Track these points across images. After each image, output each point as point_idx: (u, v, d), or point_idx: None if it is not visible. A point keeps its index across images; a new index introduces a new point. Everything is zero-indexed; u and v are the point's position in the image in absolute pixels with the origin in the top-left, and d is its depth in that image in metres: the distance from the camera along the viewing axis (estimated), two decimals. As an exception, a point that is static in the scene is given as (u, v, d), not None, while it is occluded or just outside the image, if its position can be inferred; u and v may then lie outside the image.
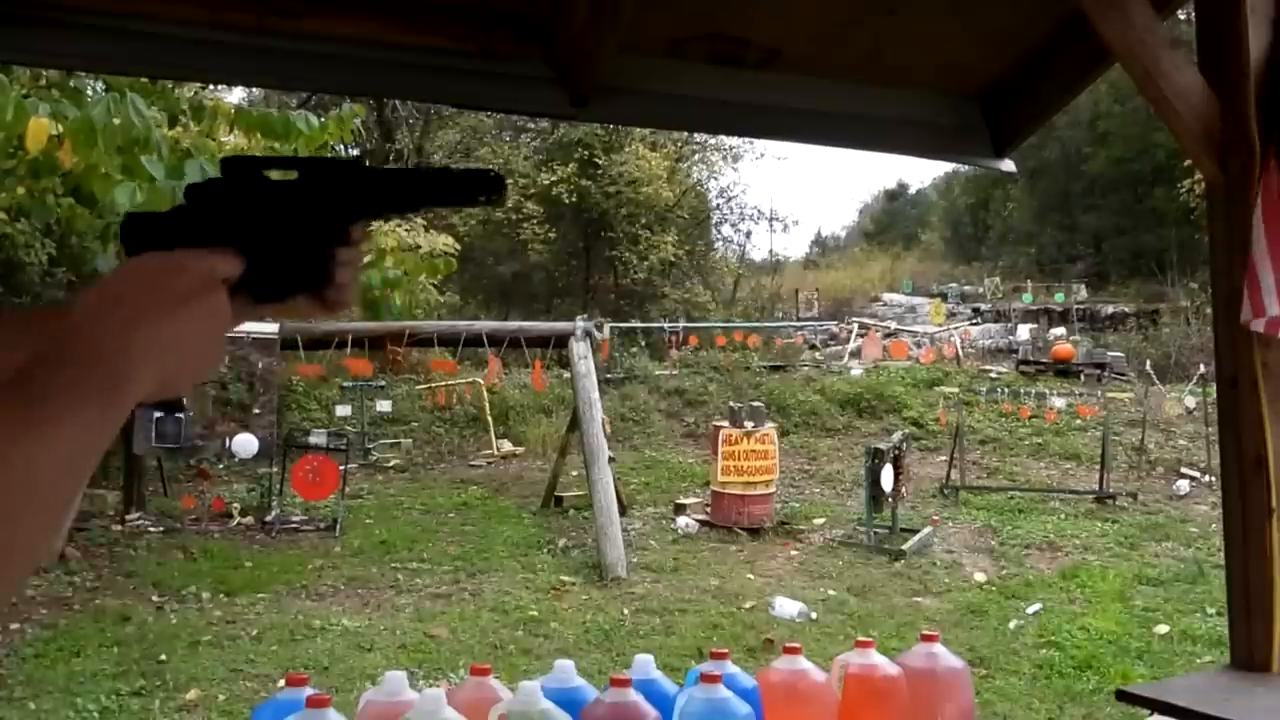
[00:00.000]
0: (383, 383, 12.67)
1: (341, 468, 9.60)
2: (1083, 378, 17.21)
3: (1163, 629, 6.89)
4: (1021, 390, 15.24)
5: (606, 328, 15.50)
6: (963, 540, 9.65)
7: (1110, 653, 6.41)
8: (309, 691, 1.38)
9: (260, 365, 9.65)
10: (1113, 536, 9.67)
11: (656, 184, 21.95)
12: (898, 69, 2.34)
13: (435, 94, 2.30)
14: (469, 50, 2.01)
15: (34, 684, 5.55)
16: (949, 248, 33.67)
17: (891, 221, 42.47)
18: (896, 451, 9.56)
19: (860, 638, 1.64)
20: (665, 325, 18.56)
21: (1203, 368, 13.50)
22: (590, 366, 9.92)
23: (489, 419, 13.92)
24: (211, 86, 7.48)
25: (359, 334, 10.05)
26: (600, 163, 21.35)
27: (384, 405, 12.92)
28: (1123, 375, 17.30)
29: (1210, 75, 1.89)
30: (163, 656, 6.05)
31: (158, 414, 8.83)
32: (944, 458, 12.29)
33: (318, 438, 9.86)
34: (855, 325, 21.71)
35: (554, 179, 21.14)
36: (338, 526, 9.36)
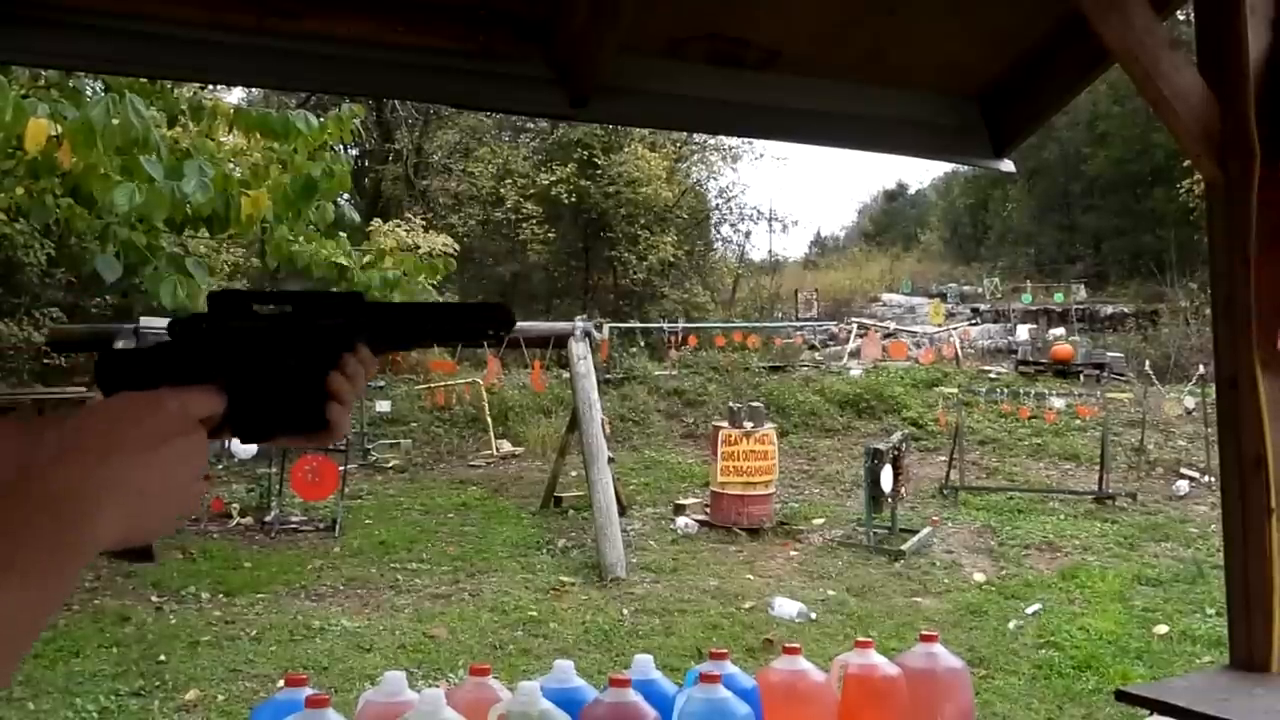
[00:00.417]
0: (382, 383, 12.68)
1: (341, 468, 9.60)
2: (1082, 378, 17.22)
3: (1162, 629, 6.89)
4: (1021, 391, 15.25)
5: (606, 328, 15.50)
6: (962, 540, 9.66)
7: (1110, 653, 6.41)
8: (308, 692, 1.38)
9: (259, 365, 9.62)
10: (1112, 537, 9.67)
11: (656, 184, 21.95)
12: (897, 69, 2.34)
13: (435, 94, 2.30)
14: (469, 50, 2.01)
15: (33, 684, 5.54)
16: (948, 248, 33.69)
17: (891, 222, 42.48)
18: (896, 452, 9.56)
19: (859, 638, 1.64)
20: (664, 325, 18.56)
21: (1202, 368, 13.52)
22: (589, 367, 9.92)
23: (488, 419, 13.92)
24: (211, 87, 7.49)
25: (358, 334, 10.04)
26: (600, 163, 21.35)
27: (383, 405, 12.92)
28: (1122, 376, 17.31)
29: (1210, 76, 1.89)
30: (162, 657, 6.05)
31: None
32: (943, 458, 12.30)
33: (317, 438, 9.84)
34: (854, 326, 21.72)
35: (553, 179, 21.14)
36: (337, 527, 9.37)
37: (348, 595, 7.55)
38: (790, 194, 77.47)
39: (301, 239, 5.56)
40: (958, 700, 1.62)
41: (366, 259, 6.06)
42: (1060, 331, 20.37)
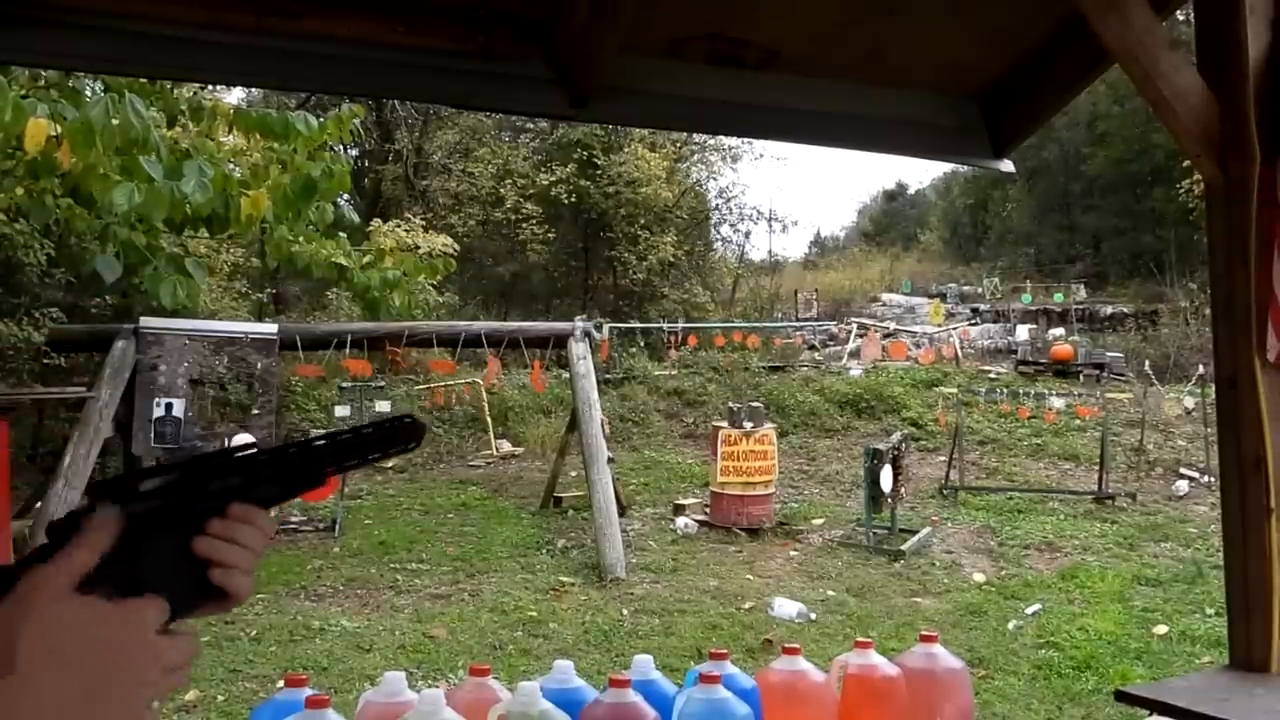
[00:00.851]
0: (382, 383, 12.65)
1: (340, 468, 9.58)
2: (1082, 378, 17.23)
3: (1162, 629, 6.89)
4: (1020, 391, 15.25)
5: (605, 328, 15.51)
6: (962, 541, 9.66)
7: (1109, 653, 6.41)
8: (308, 692, 1.38)
9: (259, 366, 9.64)
10: (1112, 537, 9.67)
11: (655, 184, 21.94)
12: (897, 69, 2.34)
13: (435, 94, 2.30)
14: (469, 50, 2.01)
15: (33, 685, 5.54)
16: (948, 248, 33.69)
17: (890, 222, 42.49)
18: (895, 452, 9.56)
19: (859, 638, 1.64)
20: (664, 326, 18.56)
21: (1201, 368, 13.53)
22: (589, 367, 9.92)
23: (488, 419, 13.92)
24: (210, 87, 7.49)
25: (358, 334, 10.06)
26: (599, 163, 21.34)
27: (383, 406, 12.88)
28: (1122, 376, 17.31)
29: (1209, 76, 1.89)
30: None
31: (158, 415, 8.84)
32: (943, 458, 12.30)
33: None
34: (854, 326, 21.72)
35: (553, 179, 21.13)
36: (337, 527, 9.37)
37: (347, 595, 7.55)
38: (790, 194, 77.44)
39: (301, 239, 5.57)
40: (957, 700, 1.62)
41: (366, 259, 6.06)
42: (1060, 331, 20.37)
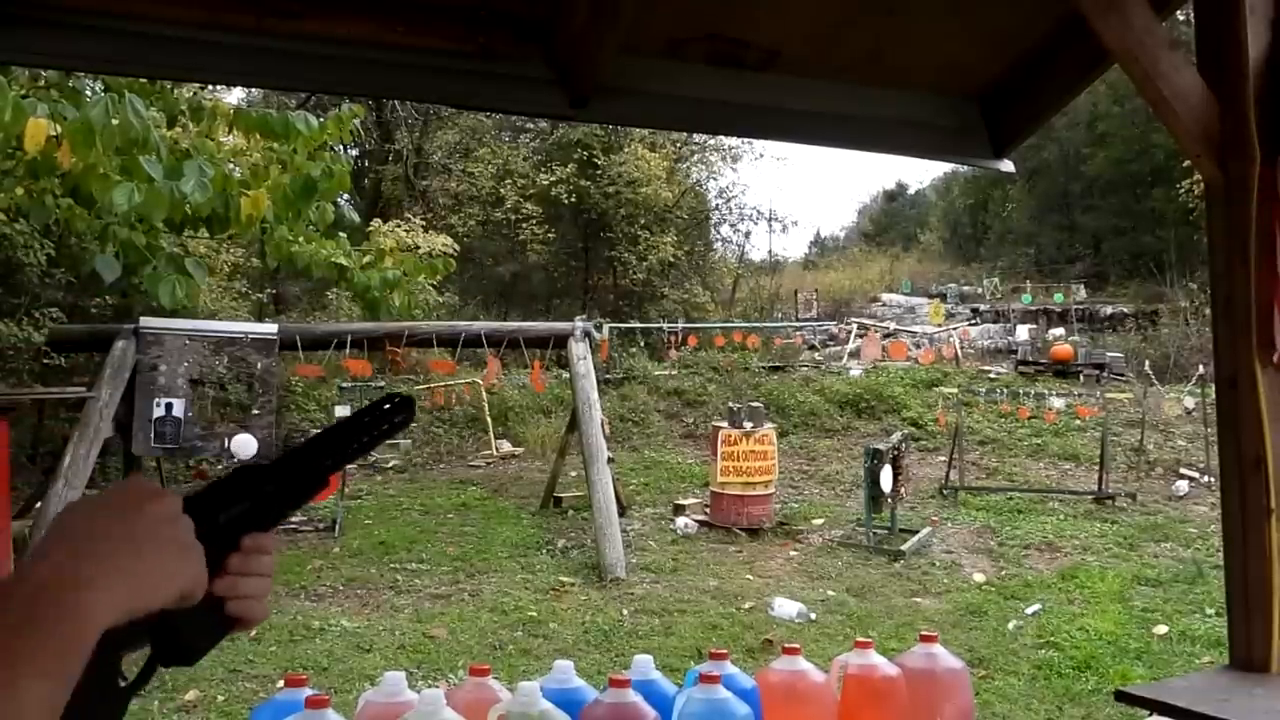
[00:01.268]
0: (382, 383, 12.66)
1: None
2: (1082, 378, 17.23)
3: (1162, 629, 6.89)
4: (1020, 391, 15.25)
5: (605, 328, 15.52)
6: (962, 541, 9.66)
7: (1109, 653, 6.41)
8: (308, 692, 1.38)
9: (259, 366, 9.64)
10: (1112, 537, 9.67)
11: (655, 184, 21.94)
12: (897, 69, 2.34)
13: (435, 94, 2.30)
14: (468, 51, 2.01)
15: (33, 685, 5.53)
16: (948, 248, 33.70)
17: (890, 222, 42.50)
18: (895, 452, 9.55)
19: (859, 638, 1.64)
20: (664, 326, 18.56)
21: (1201, 368, 13.53)
22: (589, 367, 9.92)
23: (488, 419, 13.92)
24: (210, 87, 7.49)
25: (358, 334, 10.06)
26: (599, 163, 21.34)
27: (378, 405, 12.88)
28: (1122, 376, 17.31)
29: (1209, 76, 1.89)
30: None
31: (158, 415, 8.84)
32: (943, 458, 12.30)
33: (317, 438, 9.84)
34: (854, 326, 21.72)
35: (553, 179, 21.13)
36: (337, 527, 9.37)
37: (347, 595, 7.55)
38: (790, 194, 77.46)
39: (301, 239, 5.56)
40: (957, 700, 1.62)
41: (366, 259, 6.06)
42: (1060, 332, 20.37)
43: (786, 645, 1.61)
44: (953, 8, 2.18)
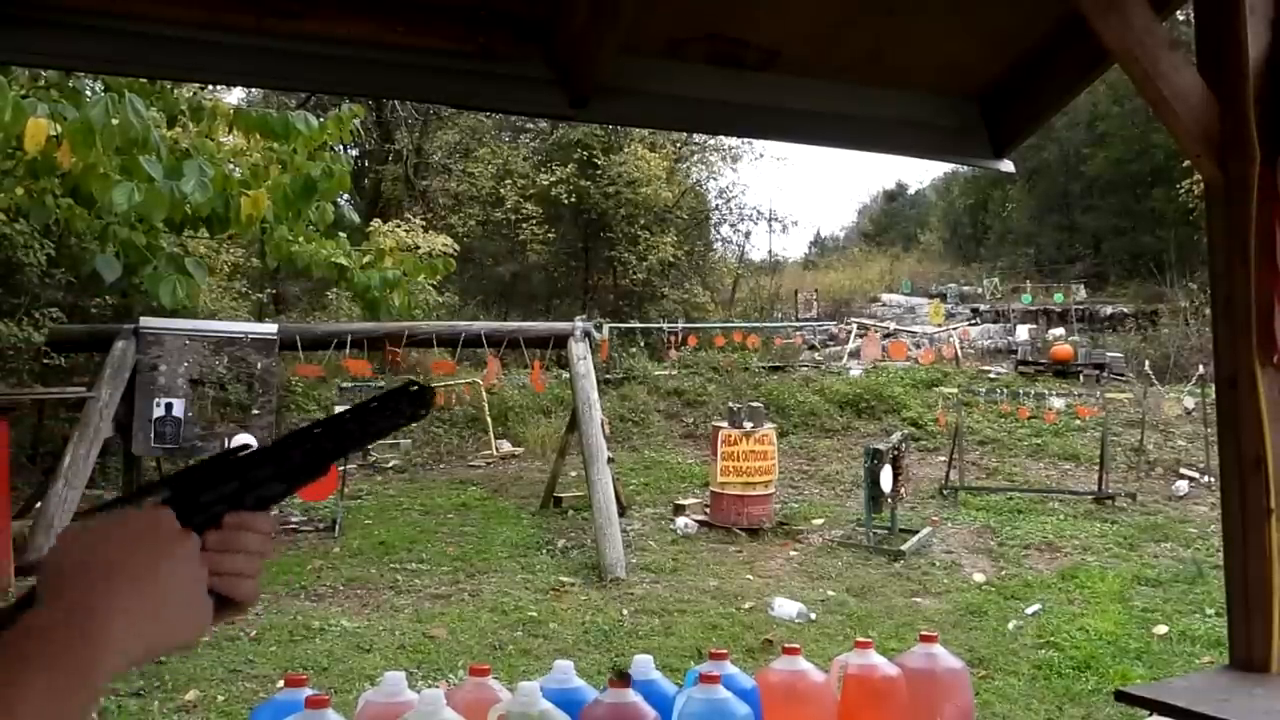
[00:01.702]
0: (382, 383, 12.66)
1: (340, 468, 9.60)
2: (1082, 378, 17.23)
3: (1162, 629, 6.89)
4: (1020, 391, 15.25)
5: (605, 328, 15.52)
6: (962, 541, 9.66)
7: (1109, 653, 6.41)
8: (308, 692, 1.38)
9: (259, 366, 9.65)
10: (1112, 537, 9.67)
11: (655, 184, 21.94)
12: (897, 69, 2.34)
13: (435, 94, 2.30)
14: (468, 51, 2.01)
15: (33, 685, 5.53)
16: (948, 248, 33.70)
17: (890, 222, 42.51)
18: (895, 452, 9.55)
19: (859, 638, 1.64)
20: (664, 326, 18.56)
21: (1201, 368, 13.53)
22: (589, 367, 9.92)
23: (488, 419, 13.92)
24: (210, 87, 7.49)
25: (358, 334, 10.06)
26: (599, 163, 21.34)
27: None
28: (1121, 376, 17.31)
29: (1209, 76, 1.89)
30: (161, 657, 6.05)
31: (158, 415, 8.84)
32: (943, 458, 12.30)
33: (317, 438, 9.84)
34: (854, 326, 21.73)
35: (553, 179, 21.13)
36: (337, 527, 9.37)
37: (347, 596, 7.55)
38: (790, 194, 77.49)
39: (301, 239, 5.56)
40: (957, 701, 1.62)
41: (366, 259, 6.06)
42: (1060, 332, 20.37)
43: (786, 645, 1.61)
44: (953, 8, 2.18)
